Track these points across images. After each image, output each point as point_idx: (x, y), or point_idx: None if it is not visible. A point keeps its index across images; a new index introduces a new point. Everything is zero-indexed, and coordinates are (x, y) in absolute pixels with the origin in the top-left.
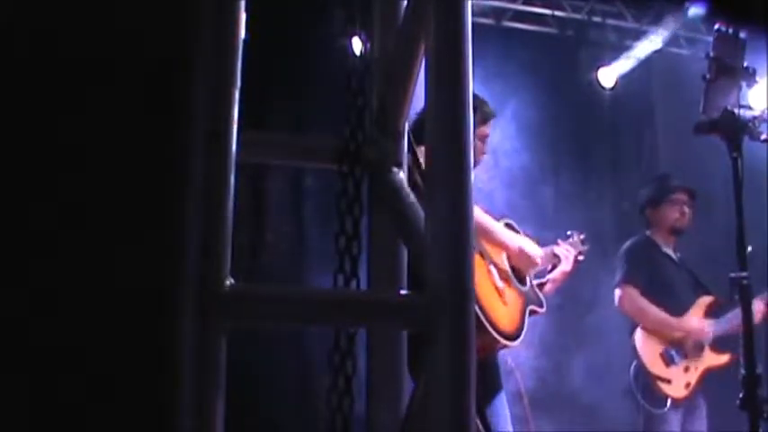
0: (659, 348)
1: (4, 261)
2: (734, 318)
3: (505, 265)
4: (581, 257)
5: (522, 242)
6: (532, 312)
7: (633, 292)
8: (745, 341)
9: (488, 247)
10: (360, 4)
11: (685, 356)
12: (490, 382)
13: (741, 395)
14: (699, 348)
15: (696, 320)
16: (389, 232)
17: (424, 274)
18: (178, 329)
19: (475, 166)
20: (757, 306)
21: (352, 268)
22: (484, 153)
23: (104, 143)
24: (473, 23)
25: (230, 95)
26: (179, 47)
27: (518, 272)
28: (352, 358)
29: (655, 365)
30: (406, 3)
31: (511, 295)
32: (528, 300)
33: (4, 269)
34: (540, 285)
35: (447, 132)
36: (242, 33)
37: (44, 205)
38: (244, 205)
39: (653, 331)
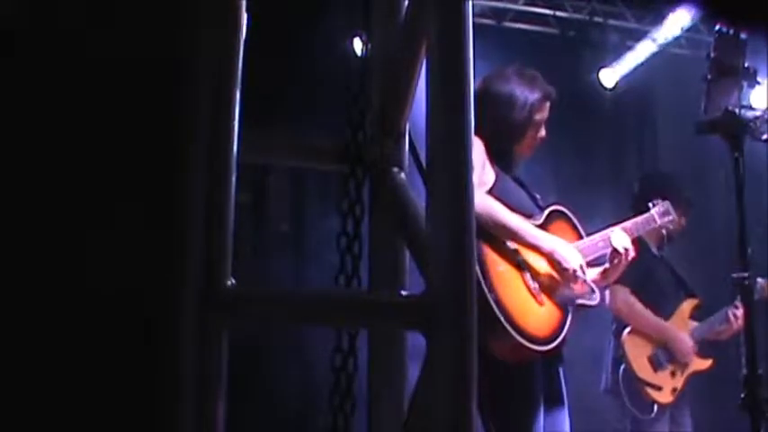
0: (648, 351)
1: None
2: (716, 322)
3: (543, 264)
4: (665, 231)
5: (554, 245)
6: (582, 306)
7: (624, 291)
8: (747, 341)
9: (521, 248)
10: (360, 4)
11: (672, 360)
12: (521, 392)
13: (742, 395)
14: (685, 354)
15: (685, 338)
16: (390, 233)
17: (425, 274)
18: (179, 330)
19: (521, 156)
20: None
21: (353, 268)
22: (535, 141)
23: (103, 144)
24: (474, 24)
25: (231, 96)
26: (180, 47)
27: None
28: (353, 358)
29: (643, 370)
30: (407, 3)
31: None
32: (571, 298)
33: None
34: (604, 271)
35: (447, 132)
36: (243, 33)
37: (41, 206)
38: (244, 205)
39: (642, 333)
